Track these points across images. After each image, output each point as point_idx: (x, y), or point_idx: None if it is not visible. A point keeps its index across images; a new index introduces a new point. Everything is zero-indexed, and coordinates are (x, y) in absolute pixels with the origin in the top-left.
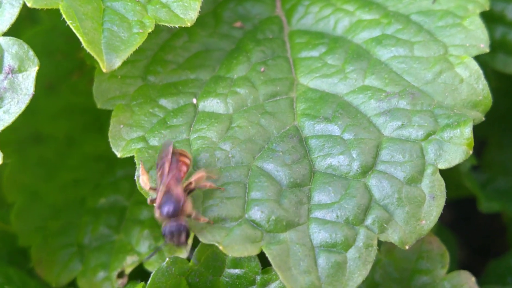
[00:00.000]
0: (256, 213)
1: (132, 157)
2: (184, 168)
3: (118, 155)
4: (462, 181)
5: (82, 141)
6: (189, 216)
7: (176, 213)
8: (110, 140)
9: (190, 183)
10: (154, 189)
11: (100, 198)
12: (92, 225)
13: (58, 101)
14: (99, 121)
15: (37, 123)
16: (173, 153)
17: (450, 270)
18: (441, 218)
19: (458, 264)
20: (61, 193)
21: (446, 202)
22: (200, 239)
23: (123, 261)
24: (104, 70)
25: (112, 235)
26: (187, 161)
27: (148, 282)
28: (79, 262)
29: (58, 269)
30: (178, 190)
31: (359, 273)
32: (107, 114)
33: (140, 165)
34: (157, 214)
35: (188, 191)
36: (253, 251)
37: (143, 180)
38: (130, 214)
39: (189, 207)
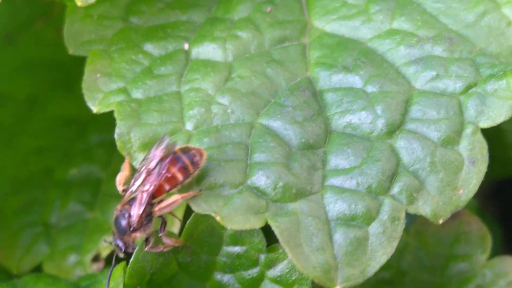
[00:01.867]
0: (260, 179)
1: (109, 118)
2: (173, 181)
3: (94, 109)
4: (511, 155)
5: (47, 102)
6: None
7: (122, 236)
8: (84, 92)
9: (152, 212)
10: (126, 191)
11: (70, 169)
12: (60, 200)
13: (19, 54)
14: (69, 77)
15: None
16: (169, 156)
17: (493, 256)
18: (484, 203)
19: (502, 249)
20: (23, 164)
21: (491, 184)
22: (193, 208)
23: (98, 243)
24: (79, 4)
25: (85, 213)
26: (180, 173)
27: (130, 261)
28: (45, 244)
29: (21, 253)
30: (139, 211)
31: (383, 251)
32: (78, 68)
33: (126, 158)
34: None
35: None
36: (257, 223)
37: (119, 177)
38: (106, 187)
39: (142, 233)
